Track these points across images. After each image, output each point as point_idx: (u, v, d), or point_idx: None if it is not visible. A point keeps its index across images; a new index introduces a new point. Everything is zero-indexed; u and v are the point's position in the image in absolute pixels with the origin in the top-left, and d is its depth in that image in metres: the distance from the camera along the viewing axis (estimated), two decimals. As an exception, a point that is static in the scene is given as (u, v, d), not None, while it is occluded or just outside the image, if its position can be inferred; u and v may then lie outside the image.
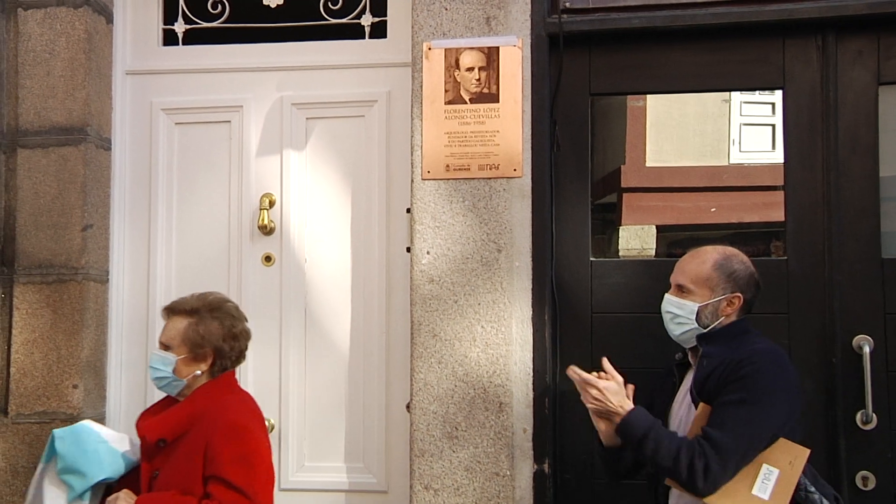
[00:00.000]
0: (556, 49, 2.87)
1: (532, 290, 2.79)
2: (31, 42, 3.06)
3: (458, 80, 2.86)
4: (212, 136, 3.19)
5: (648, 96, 3.38)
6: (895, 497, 2.70)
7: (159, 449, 2.33)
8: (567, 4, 2.88)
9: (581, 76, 2.93)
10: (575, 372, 2.23)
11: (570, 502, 2.84)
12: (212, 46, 3.21)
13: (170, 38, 3.25)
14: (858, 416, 2.70)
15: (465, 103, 2.86)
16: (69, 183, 3.00)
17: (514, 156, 2.82)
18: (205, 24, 3.23)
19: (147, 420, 2.40)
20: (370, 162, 3.09)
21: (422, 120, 2.87)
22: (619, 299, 2.88)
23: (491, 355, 2.76)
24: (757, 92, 3.32)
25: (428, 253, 2.82)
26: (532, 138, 2.83)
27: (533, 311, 2.78)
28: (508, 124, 2.83)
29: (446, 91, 2.87)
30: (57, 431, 2.40)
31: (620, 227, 3.48)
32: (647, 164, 3.65)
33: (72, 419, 2.89)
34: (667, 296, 2.32)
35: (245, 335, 2.49)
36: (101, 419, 3.06)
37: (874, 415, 2.68)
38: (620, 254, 3.37)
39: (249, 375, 3.08)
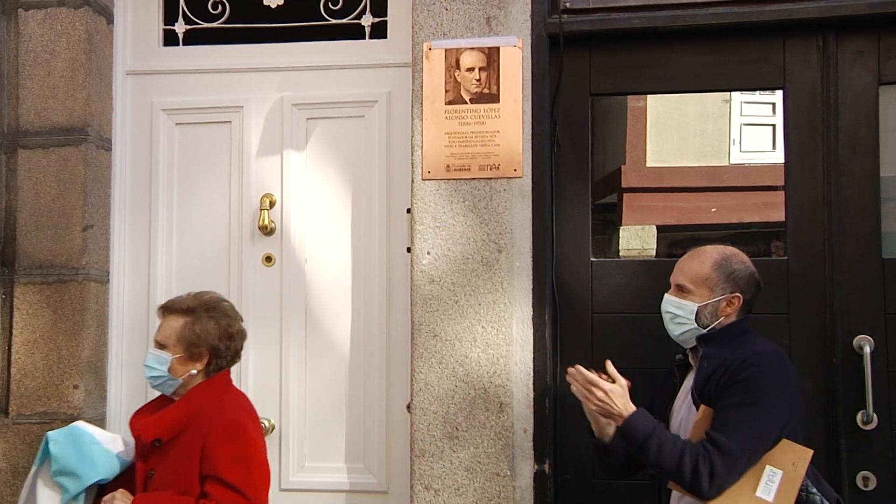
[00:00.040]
0: (556, 49, 2.87)
1: (532, 290, 2.79)
2: (32, 42, 3.06)
3: (459, 80, 2.87)
4: (212, 136, 3.19)
5: (649, 96, 3.38)
6: (896, 497, 2.71)
7: (155, 449, 2.32)
8: (567, 5, 2.88)
9: (581, 76, 2.93)
10: (580, 371, 2.20)
11: (570, 502, 2.84)
12: (212, 47, 3.21)
13: (170, 39, 3.25)
14: (859, 417, 2.70)
15: (466, 103, 2.86)
16: (70, 183, 3.00)
17: (515, 156, 2.82)
18: (205, 25, 3.24)
19: (142, 420, 2.38)
20: (370, 162, 3.09)
21: (422, 120, 2.87)
22: (620, 299, 2.88)
23: (491, 355, 2.76)
24: (757, 92, 3.32)
25: (428, 253, 2.82)
26: (532, 138, 2.83)
27: (533, 312, 2.78)
28: (509, 124, 2.83)
29: (447, 91, 2.87)
30: (51, 434, 2.38)
31: (621, 228, 3.48)
32: (648, 165, 3.65)
33: (72, 419, 2.88)
34: (666, 296, 2.31)
35: (241, 335, 2.49)
36: (101, 419, 3.06)
37: (875, 415, 2.68)
38: (621, 254, 3.36)
39: (250, 375, 3.09)
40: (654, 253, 3.36)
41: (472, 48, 2.86)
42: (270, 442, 3.05)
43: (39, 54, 3.05)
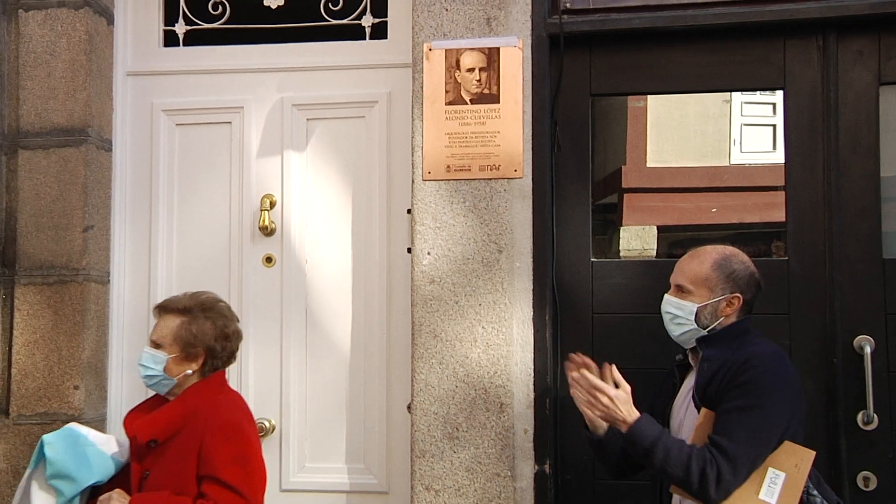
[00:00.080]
0: (556, 50, 2.87)
1: (533, 290, 2.79)
2: (32, 43, 3.06)
3: (459, 80, 2.87)
4: (212, 137, 3.19)
5: (649, 97, 3.38)
6: (896, 497, 2.71)
7: (150, 449, 2.31)
8: (568, 5, 2.88)
9: (582, 77, 2.93)
10: (585, 377, 2.16)
11: (571, 503, 2.84)
12: (212, 47, 3.21)
13: (170, 39, 3.26)
14: (859, 417, 2.70)
15: (466, 104, 2.86)
16: (70, 184, 3.00)
17: (515, 156, 2.82)
18: (205, 25, 3.24)
19: (137, 420, 2.37)
20: (371, 163, 3.09)
21: (422, 121, 2.87)
22: (620, 300, 2.88)
23: (492, 356, 2.76)
24: (758, 92, 3.31)
25: (429, 254, 2.82)
26: (533, 139, 2.83)
27: (534, 312, 2.78)
28: (509, 125, 2.83)
29: (447, 92, 2.87)
30: (46, 437, 2.37)
31: (621, 228, 3.47)
32: (648, 165, 3.65)
33: (73, 420, 2.88)
34: (666, 296, 2.31)
35: (237, 335, 2.48)
36: (101, 420, 3.06)
37: (875, 415, 2.68)
38: (621, 254, 3.36)
39: (250, 376, 3.09)
40: (654, 253, 3.36)
41: (472, 49, 2.86)
42: (271, 442, 3.06)
43: (40, 55, 3.05)
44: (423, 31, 2.88)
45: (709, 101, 3.53)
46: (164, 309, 2.44)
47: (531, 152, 2.83)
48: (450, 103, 2.86)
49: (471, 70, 2.86)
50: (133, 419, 2.40)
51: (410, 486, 2.80)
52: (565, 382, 2.32)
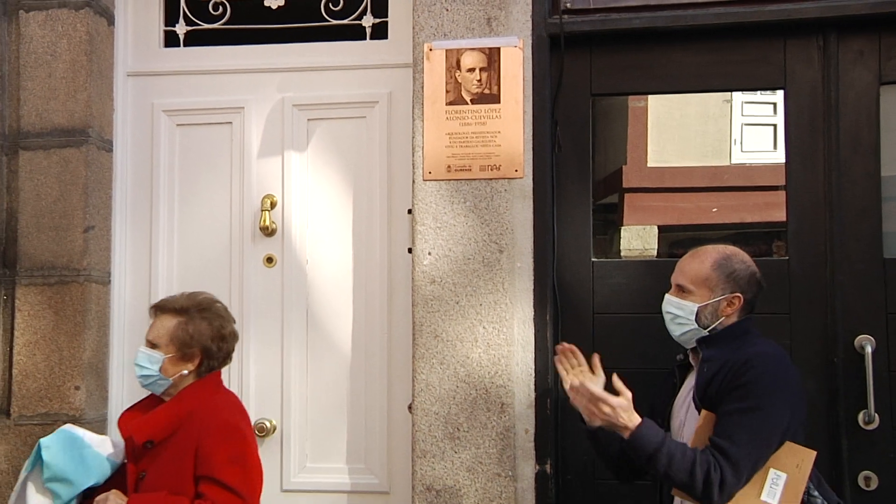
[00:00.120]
0: (557, 50, 2.87)
1: (533, 290, 2.79)
2: (33, 44, 3.06)
3: (460, 80, 2.87)
4: (213, 137, 3.19)
5: (650, 97, 3.38)
6: (898, 497, 2.71)
7: (146, 450, 2.30)
8: (568, 5, 2.88)
9: (582, 77, 2.93)
10: (585, 387, 2.15)
11: (572, 503, 2.84)
12: (213, 48, 3.21)
13: (171, 40, 3.26)
14: (860, 417, 2.70)
15: (467, 104, 2.86)
16: (71, 184, 3.00)
17: (516, 156, 2.82)
18: (206, 26, 3.24)
19: (133, 421, 2.36)
20: (371, 163, 3.09)
21: (423, 121, 2.87)
22: (621, 300, 2.88)
23: (492, 356, 2.76)
24: (758, 92, 3.32)
25: (429, 254, 2.82)
26: (533, 139, 2.83)
27: (534, 312, 2.78)
28: (510, 125, 2.83)
29: (447, 92, 2.87)
30: (43, 440, 2.36)
31: (622, 228, 3.48)
32: (649, 165, 3.65)
33: (74, 421, 2.88)
34: (667, 296, 2.31)
35: (233, 336, 2.48)
36: (102, 421, 3.06)
37: (876, 415, 2.68)
38: (622, 254, 3.37)
39: (251, 376, 3.09)
40: (655, 253, 3.36)
41: (472, 49, 2.86)
42: (272, 443, 3.06)
43: (40, 56, 3.06)
44: (424, 32, 2.89)
45: (709, 101, 3.54)
46: (160, 309, 2.43)
47: (532, 152, 2.83)
48: (450, 103, 2.86)
49: (471, 70, 2.86)
50: (129, 420, 2.39)
51: (411, 487, 2.80)
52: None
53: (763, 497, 2.03)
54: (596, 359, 2.32)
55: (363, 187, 3.09)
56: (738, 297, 2.21)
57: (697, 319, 2.22)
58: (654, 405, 2.37)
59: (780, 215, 2.87)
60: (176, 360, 2.37)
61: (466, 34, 2.87)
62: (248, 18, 3.21)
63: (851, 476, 2.70)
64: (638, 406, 2.17)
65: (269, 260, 3.12)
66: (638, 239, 3.45)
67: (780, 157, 2.90)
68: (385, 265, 3.05)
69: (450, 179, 2.84)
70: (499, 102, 2.84)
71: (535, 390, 2.76)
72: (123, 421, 2.41)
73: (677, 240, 3.53)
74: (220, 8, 3.22)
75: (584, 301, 2.89)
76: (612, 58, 2.93)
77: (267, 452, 3.04)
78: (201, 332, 2.38)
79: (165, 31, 3.26)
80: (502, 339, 2.76)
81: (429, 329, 2.79)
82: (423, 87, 2.88)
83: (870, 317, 2.74)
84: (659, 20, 2.85)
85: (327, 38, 3.15)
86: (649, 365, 2.73)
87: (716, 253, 2.25)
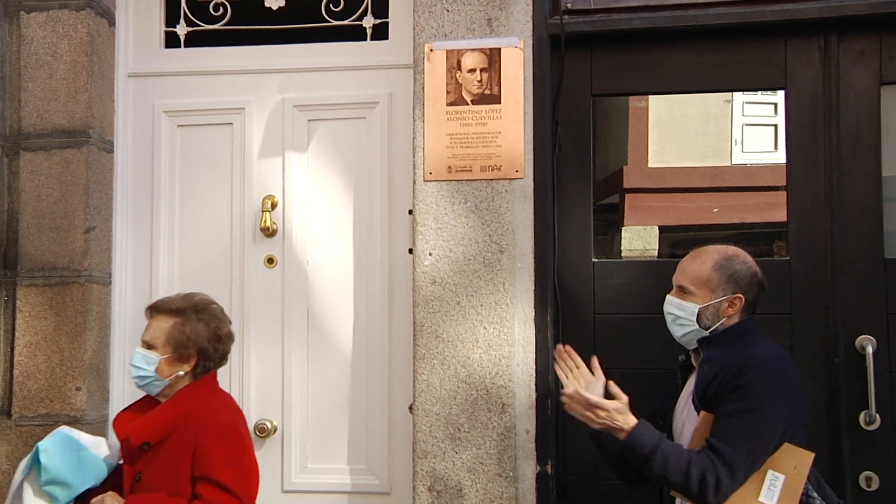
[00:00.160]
0: (557, 50, 2.87)
1: (534, 291, 2.79)
2: (34, 45, 3.06)
3: (460, 81, 2.87)
4: (214, 138, 3.19)
5: (650, 97, 3.38)
6: (899, 498, 2.70)
7: (143, 451, 2.30)
8: (569, 5, 2.88)
9: (583, 77, 2.93)
10: (580, 394, 2.17)
11: (572, 503, 2.84)
12: (214, 49, 3.21)
13: (172, 41, 3.26)
14: (861, 417, 2.70)
15: (467, 105, 2.86)
16: (72, 185, 3.00)
17: (516, 157, 2.82)
18: (207, 27, 3.24)
19: (129, 423, 2.36)
20: (372, 163, 3.09)
21: (423, 121, 2.87)
22: (622, 300, 2.88)
23: (493, 356, 2.76)
24: (759, 92, 3.32)
25: (430, 254, 2.82)
26: (534, 139, 2.83)
27: (535, 312, 2.78)
28: (510, 125, 2.83)
29: (448, 92, 2.87)
30: (41, 444, 2.34)
31: (623, 228, 3.48)
32: (650, 165, 3.66)
33: (75, 421, 2.89)
34: (668, 297, 2.31)
35: (229, 337, 2.47)
36: (103, 421, 3.06)
37: (877, 415, 2.68)
38: (623, 254, 3.37)
39: (252, 377, 3.09)
40: (655, 253, 3.37)
41: (473, 49, 2.86)
42: (273, 443, 3.06)
43: (41, 57, 3.06)
44: (425, 32, 2.89)
45: (710, 102, 3.54)
46: (156, 310, 2.43)
47: (532, 153, 2.83)
48: (451, 104, 2.86)
49: (472, 71, 2.86)
50: (125, 421, 2.39)
51: (412, 487, 2.80)
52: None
53: (761, 498, 2.03)
54: (595, 361, 2.32)
55: (364, 188, 3.10)
56: (740, 297, 2.21)
57: (699, 320, 2.22)
58: (657, 407, 2.37)
59: (780, 215, 2.87)
60: (172, 361, 2.37)
61: (467, 35, 2.87)
62: (249, 19, 3.21)
63: (852, 476, 2.70)
64: (640, 408, 2.17)
65: (270, 260, 3.12)
66: (639, 239, 3.45)
67: (780, 157, 2.90)
68: (386, 266, 3.05)
69: (450, 180, 2.84)
70: (499, 103, 2.84)
71: (536, 391, 2.76)
72: (119, 423, 2.40)
73: (678, 240, 3.53)
74: (221, 9, 3.22)
75: (585, 301, 2.89)
76: (612, 58, 2.92)
77: (268, 453, 3.04)
78: (198, 333, 2.38)
79: (166, 32, 3.26)
80: (503, 339, 2.76)
81: (429, 330, 2.79)
82: (423, 88, 2.88)
83: (870, 317, 2.74)
84: (659, 20, 2.85)
85: (328, 38, 3.15)
86: (650, 365, 2.73)
87: (717, 254, 2.25)
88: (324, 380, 3.08)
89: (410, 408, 2.88)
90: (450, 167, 2.84)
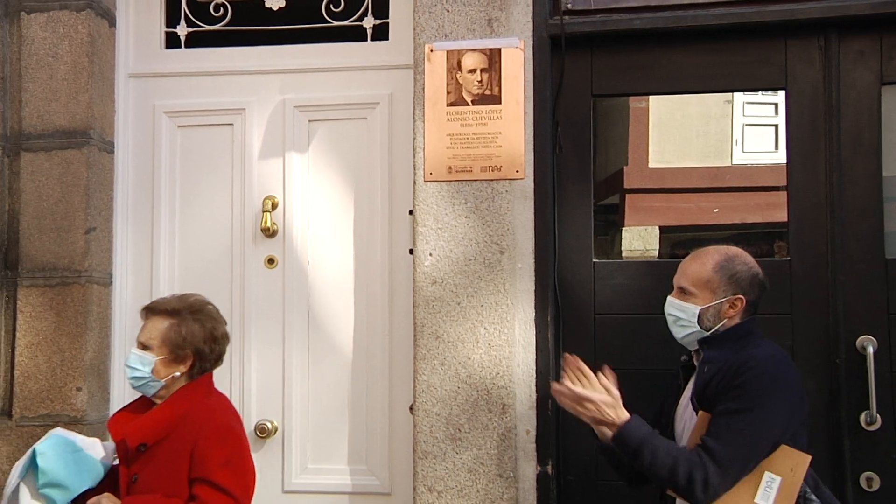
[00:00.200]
0: (557, 50, 2.87)
1: (535, 291, 2.79)
2: (35, 46, 3.07)
3: (460, 81, 2.87)
4: (214, 138, 3.19)
5: (651, 97, 3.38)
6: (899, 498, 2.70)
7: (139, 453, 2.30)
8: (569, 6, 2.88)
9: (583, 77, 2.93)
10: (568, 387, 2.16)
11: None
12: (214, 49, 3.22)
13: (172, 41, 3.26)
14: (862, 417, 2.70)
15: (468, 105, 2.86)
16: (72, 186, 3.01)
17: (517, 157, 2.82)
18: (207, 27, 3.24)
19: (125, 424, 2.35)
20: (372, 164, 3.09)
21: (424, 122, 2.87)
22: (622, 300, 2.88)
23: (494, 357, 2.76)
24: (759, 92, 3.32)
25: (430, 255, 2.82)
26: (534, 140, 2.83)
27: (536, 313, 2.78)
28: (510, 126, 2.83)
29: (448, 93, 2.87)
30: (38, 447, 2.34)
31: (623, 229, 3.48)
32: (650, 165, 3.65)
33: (75, 422, 2.89)
34: (669, 298, 2.30)
35: (225, 338, 2.47)
36: (104, 422, 3.05)
37: (878, 415, 2.68)
38: (623, 255, 3.36)
39: (252, 377, 3.09)
40: (656, 254, 3.36)
41: (473, 50, 2.86)
42: (273, 444, 3.06)
43: (42, 57, 3.06)
44: (425, 33, 2.89)
45: (710, 102, 3.53)
46: (151, 310, 2.43)
47: (533, 153, 2.83)
48: (451, 104, 2.86)
49: (472, 71, 2.86)
50: (121, 423, 2.38)
51: (413, 488, 2.80)
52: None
53: (757, 500, 2.03)
54: (607, 370, 2.25)
55: (364, 188, 3.10)
56: (741, 298, 2.20)
57: (699, 321, 2.21)
58: (660, 407, 2.36)
59: (781, 216, 2.87)
60: (168, 362, 2.37)
61: (467, 35, 2.87)
62: (249, 20, 3.21)
63: (853, 477, 2.70)
64: (641, 408, 2.17)
65: (271, 261, 3.12)
66: (639, 239, 3.45)
67: (781, 157, 2.90)
68: (386, 266, 3.05)
69: (451, 180, 2.84)
70: (500, 103, 2.84)
71: (537, 391, 2.76)
72: (115, 424, 2.40)
73: (679, 240, 3.53)
74: (221, 9, 3.23)
75: (586, 302, 2.89)
76: (612, 58, 2.93)
77: (268, 454, 3.04)
78: (194, 333, 2.37)
79: (167, 33, 3.26)
80: (503, 340, 2.76)
81: (430, 330, 2.79)
82: (423, 89, 2.88)
83: (871, 317, 2.74)
84: (660, 21, 2.85)
85: (328, 39, 3.15)
86: (650, 366, 2.73)
87: (717, 255, 2.24)
88: (324, 380, 3.08)
89: (411, 408, 2.88)
90: (450, 167, 2.84)
